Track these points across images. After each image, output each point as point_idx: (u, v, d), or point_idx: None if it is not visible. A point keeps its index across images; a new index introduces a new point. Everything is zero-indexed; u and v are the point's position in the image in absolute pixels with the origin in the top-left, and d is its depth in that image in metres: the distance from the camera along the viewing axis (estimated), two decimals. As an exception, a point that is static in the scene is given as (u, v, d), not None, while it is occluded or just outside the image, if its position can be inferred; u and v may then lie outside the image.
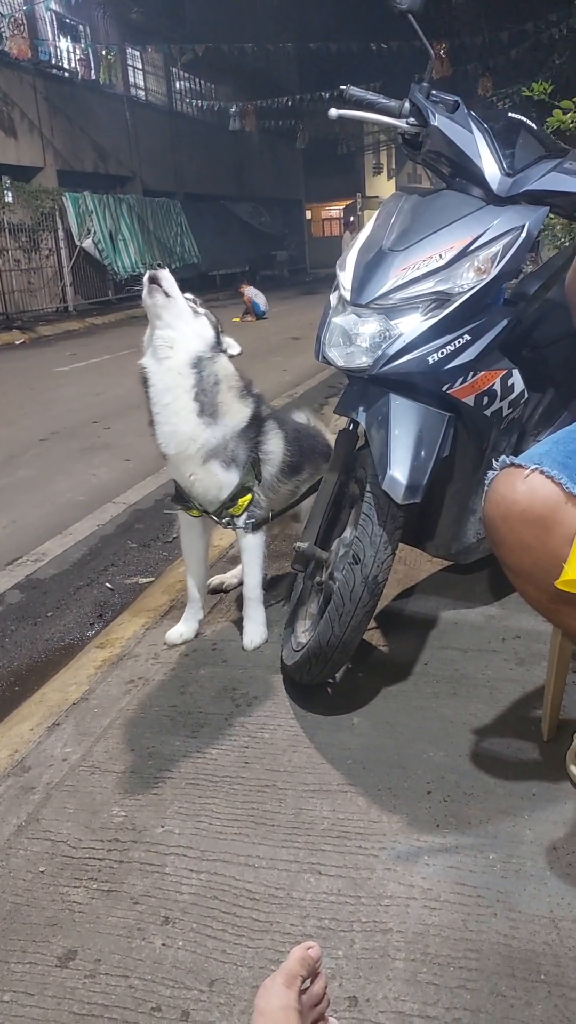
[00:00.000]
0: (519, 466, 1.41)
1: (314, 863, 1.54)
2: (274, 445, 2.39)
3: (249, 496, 2.31)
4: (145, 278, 2.18)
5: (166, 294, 2.17)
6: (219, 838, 1.63)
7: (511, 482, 1.40)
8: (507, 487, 1.41)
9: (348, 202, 30.87)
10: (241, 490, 2.29)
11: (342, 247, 14.24)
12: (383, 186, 35.47)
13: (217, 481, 2.26)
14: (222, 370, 2.24)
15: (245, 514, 2.32)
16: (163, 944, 1.40)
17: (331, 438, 2.62)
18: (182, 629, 2.47)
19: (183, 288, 2.23)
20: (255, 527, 2.35)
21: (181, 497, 2.38)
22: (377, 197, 24.36)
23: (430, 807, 1.67)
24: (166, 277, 2.18)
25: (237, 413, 2.27)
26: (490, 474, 1.48)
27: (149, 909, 1.47)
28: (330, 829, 1.63)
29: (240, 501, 2.30)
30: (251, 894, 1.48)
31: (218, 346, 2.25)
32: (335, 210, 35.04)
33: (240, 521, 2.32)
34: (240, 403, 2.28)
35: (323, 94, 16.39)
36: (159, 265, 2.25)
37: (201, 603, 2.51)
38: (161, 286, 2.17)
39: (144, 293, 2.18)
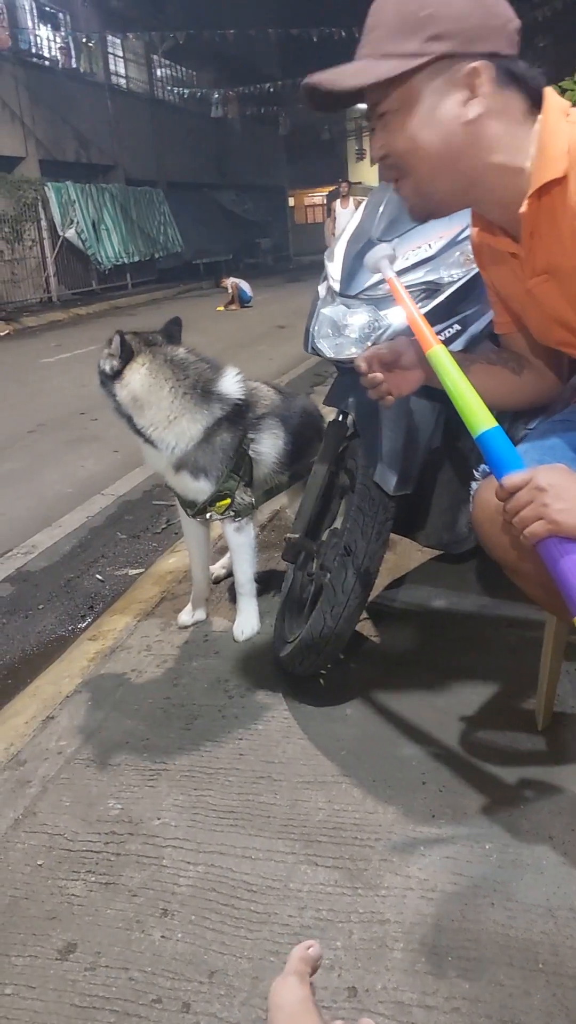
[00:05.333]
0: None
1: (311, 854, 1.55)
2: (268, 446, 2.35)
3: (228, 500, 2.29)
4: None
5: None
6: (215, 830, 1.64)
7: (494, 487, 1.42)
8: (490, 492, 1.43)
9: (331, 188, 30.76)
10: (218, 496, 2.28)
11: (324, 233, 14.19)
12: (366, 172, 35.29)
13: (191, 488, 2.28)
14: (130, 398, 2.27)
15: (226, 514, 2.32)
16: (162, 936, 1.40)
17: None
18: (192, 610, 2.51)
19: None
20: (239, 518, 2.34)
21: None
22: (360, 183, 24.28)
23: (425, 797, 1.68)
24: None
25: (189, 427, 2.21)
26: (473, 485, 1.50)
27: (147, 901, 1.48)
28: (326, 820, 1.64)
29: (219, 504, 2.29)
30: (248, 886, 1.49)
31: (113, 377, 2.25)
32: (318, 196, 34.91)
33: (222, 517, 2.33)
34: (191, 415, 2.21)
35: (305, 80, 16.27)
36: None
37: (206, 585, 2.55)
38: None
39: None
